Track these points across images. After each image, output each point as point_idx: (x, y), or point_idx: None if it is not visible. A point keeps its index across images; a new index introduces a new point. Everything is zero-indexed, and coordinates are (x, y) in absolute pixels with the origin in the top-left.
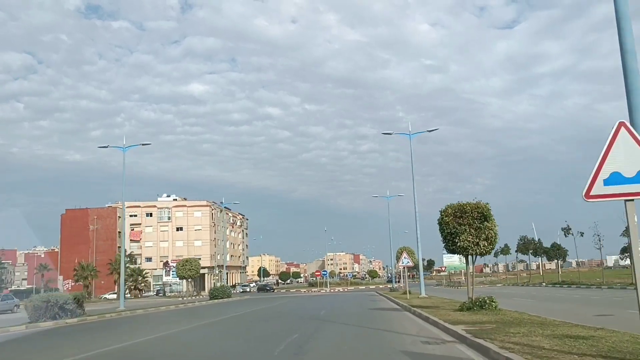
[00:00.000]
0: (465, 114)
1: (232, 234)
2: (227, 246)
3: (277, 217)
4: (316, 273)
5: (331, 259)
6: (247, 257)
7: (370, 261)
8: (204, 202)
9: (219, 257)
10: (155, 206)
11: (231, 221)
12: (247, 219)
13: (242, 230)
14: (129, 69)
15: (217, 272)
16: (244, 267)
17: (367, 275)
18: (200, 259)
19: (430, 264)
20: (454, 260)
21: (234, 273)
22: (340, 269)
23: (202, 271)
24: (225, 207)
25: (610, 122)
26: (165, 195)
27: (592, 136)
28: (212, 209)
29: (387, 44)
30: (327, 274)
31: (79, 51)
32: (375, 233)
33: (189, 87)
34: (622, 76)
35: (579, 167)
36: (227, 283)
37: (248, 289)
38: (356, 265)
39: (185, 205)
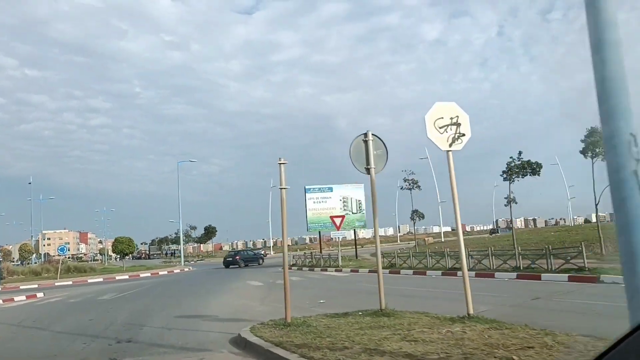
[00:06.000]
0: (204, 94)
1: None
2: None
3: None
4: None
5: (49, 238)
6: None
7: (100, 241)
8: None
9: None
10: None
11: None
12: None
13: None
14: None
15: None
16: None
17: (109, 257)
18: None
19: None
20: None
21: None
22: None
23: None
24: None
25: (333, 112)
26: None
27: (318, 123)
28: None
29: (125, 14)
30: None
31: None
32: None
33: None
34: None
35: (305, 152)
36: None
37: None
38: (83, 245)
39: None
